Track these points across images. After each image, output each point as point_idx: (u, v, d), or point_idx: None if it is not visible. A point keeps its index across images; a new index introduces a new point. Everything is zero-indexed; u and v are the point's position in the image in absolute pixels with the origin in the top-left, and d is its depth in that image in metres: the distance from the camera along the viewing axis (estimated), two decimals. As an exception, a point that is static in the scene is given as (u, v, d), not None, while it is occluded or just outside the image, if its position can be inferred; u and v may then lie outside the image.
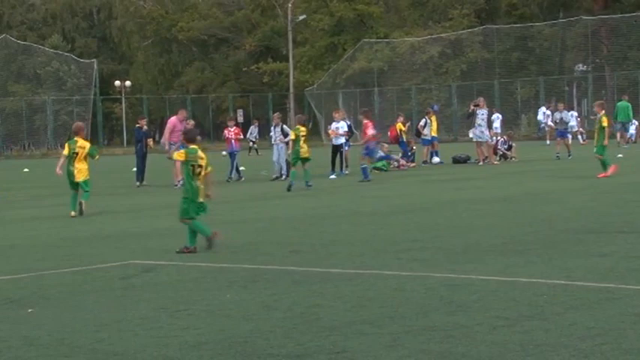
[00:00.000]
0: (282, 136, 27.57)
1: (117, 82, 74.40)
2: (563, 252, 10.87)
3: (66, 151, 18.30)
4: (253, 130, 48.74)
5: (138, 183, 27.48)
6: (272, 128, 28.96)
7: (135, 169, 28.34)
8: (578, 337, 6.77)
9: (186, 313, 8.28)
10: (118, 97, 75.35)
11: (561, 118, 34.68)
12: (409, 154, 32.24)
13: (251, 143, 48.84)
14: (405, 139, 32.64)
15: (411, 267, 10.22)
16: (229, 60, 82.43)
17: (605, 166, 22.54)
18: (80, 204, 17.80)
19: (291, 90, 73.89)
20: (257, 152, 47.62)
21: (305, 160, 23.56)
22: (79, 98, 70.52)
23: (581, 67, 65.48)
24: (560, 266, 9.86)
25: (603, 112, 23.24)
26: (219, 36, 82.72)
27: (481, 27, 65.02)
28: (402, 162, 31.38)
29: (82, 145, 18.09)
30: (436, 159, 32.65)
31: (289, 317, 7.88)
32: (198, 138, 14.15)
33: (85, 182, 18.00)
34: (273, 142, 28.37)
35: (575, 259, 10.28)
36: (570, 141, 35.17)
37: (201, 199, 12.43)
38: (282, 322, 7.71)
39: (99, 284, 10.17)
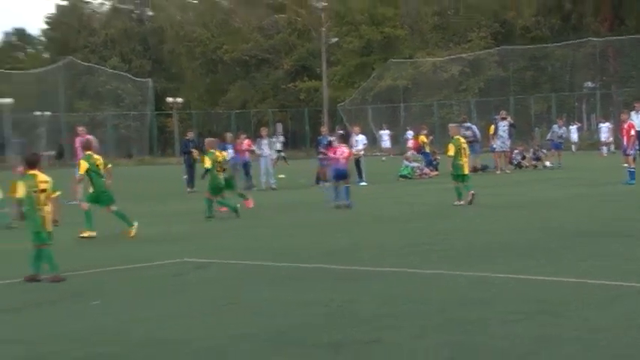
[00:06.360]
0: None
1: (169, 99, 74.84)
2: (573, 253, 10.82)
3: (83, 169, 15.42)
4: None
5: (189, 189, 27.66)
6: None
7: (185, 176, 28.51)
8: (588, 330, 6.77)
9: (233, 306, 8.36)
10: (170, 112, 75.76)
11: (561, 133, 34.49)
12: (433, 163, 32.25)
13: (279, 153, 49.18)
14: (427, 150, 32.76)
15: (433, 266, 10.24)
16: (269, 78, 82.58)
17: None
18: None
19: (325, 105, 73.95)
20: (285, 160, 47.06)
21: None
22: (135, 114, 71.01)
23: (589, 84, 64.80)
24: (571, 266, 9.83)
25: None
26: (259, 57, 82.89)
27: (497, 48, 64.59)
28: (426, 170, 31.37)
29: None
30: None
31: (325, 312, 7.93)
32: (41, 162, 11.34)
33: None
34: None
35: (585, 261, 10.23)
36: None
37: (49, 228, 10.55)
38: (319, 316, 7.77)
39: (154, 280, 10.30)
